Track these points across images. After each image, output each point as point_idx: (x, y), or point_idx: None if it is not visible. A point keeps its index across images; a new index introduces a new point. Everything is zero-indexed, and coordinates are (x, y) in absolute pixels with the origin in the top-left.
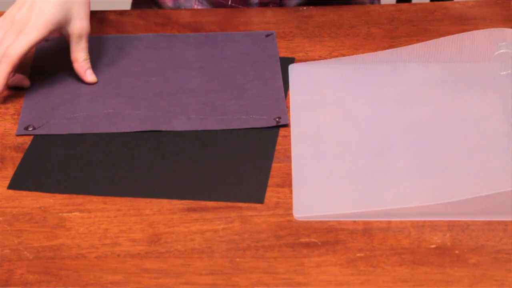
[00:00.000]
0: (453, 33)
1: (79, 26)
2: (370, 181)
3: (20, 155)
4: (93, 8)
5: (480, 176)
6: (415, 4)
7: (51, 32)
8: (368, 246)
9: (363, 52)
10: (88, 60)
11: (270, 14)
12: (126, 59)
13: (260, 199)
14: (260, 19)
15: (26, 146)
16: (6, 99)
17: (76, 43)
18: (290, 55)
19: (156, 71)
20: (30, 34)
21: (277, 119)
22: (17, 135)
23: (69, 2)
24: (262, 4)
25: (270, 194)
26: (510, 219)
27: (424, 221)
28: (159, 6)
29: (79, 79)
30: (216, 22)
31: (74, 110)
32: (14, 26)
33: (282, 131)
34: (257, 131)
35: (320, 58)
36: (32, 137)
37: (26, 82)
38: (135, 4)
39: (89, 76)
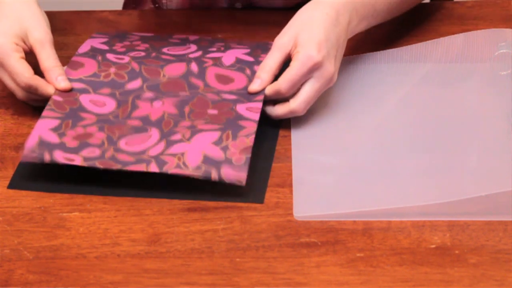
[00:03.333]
0: (453, 33)
1: (39, 34)
2: (370, 181)
3: (20, 155)
4: (93, 8)
5: (480, 176)
6: None
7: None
8: (368, 246)
9: (363, 52)
10: (58, 67)
11: (271, 15)
12: None
13: (260, 199)
14: (261, 19)
15: None
16: (6, 99)
17: (39, 52)
18: None
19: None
20: None
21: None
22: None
23: (21, 17)
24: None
25: (270, 194)
26: (510, 219)
27: (424, 221)
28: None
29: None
30: (216, 23)
31: None
32: None
33: (282, 131)
34: (257, 131)
35: None
36: None
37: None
38: (126, 5)
39: (61, 82)
